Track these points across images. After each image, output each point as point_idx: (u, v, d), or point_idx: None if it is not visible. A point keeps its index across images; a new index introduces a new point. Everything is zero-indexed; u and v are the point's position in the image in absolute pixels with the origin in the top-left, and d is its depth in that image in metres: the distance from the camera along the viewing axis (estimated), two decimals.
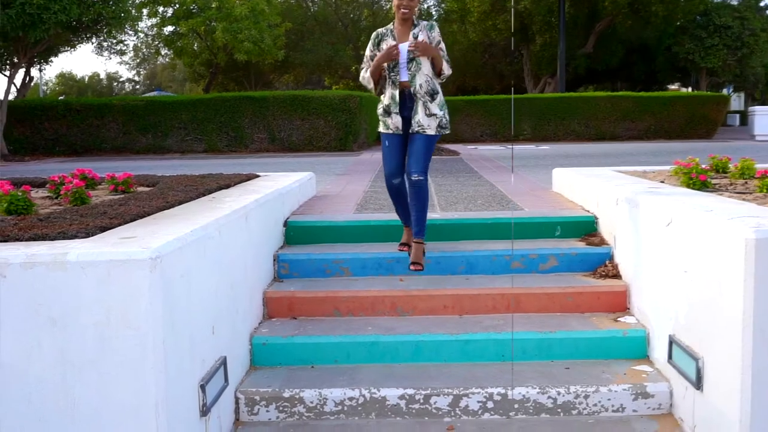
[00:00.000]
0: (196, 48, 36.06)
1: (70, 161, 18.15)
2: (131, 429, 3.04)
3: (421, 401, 4.07)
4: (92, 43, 22.86)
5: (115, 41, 24.34)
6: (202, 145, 21.22)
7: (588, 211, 6.04)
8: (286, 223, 5.87)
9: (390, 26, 5.17)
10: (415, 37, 5.01)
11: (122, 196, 5.29)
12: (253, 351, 4.52)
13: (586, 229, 5.80)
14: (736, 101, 51.51)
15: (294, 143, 21.03)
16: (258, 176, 7.01)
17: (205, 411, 3.51)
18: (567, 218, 5.90)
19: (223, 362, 3.85)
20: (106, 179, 5.91)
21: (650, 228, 4.41)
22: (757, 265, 3.17)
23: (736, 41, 33.75)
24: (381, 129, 5.23)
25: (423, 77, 5.05)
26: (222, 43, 31.49)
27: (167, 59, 45.68)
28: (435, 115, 5.05)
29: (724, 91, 40.22)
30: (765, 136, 23.33)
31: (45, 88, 60.28)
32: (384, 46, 5.07)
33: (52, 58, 23.01)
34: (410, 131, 5.08)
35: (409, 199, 5.13)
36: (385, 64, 5.05)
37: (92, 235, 3.44)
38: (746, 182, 5.49)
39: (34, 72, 25.85)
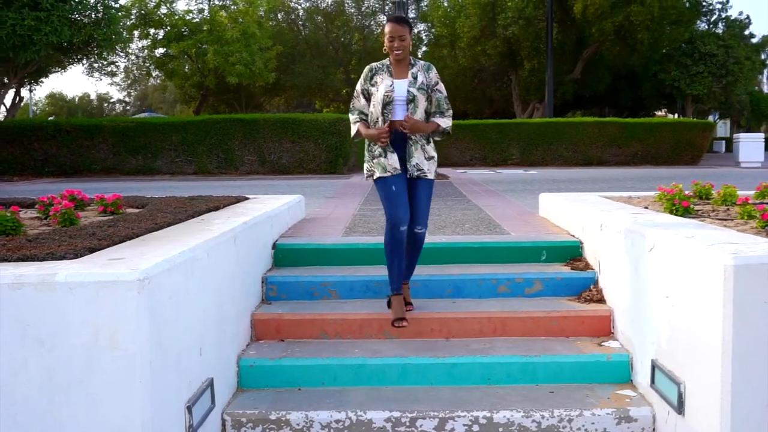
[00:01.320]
0: (187, 70, 36.25)
1: (60, 182, 18.14)
2: None
3: (408, 424, 4.10)
4: (83, 65, 22.96)
5: (106, 62, 24.46)
6: (192, 166, 21.25)
7: (573, 236, 6.10)
8: (274, 246, 5.91)
9: (386, 61, 4.92)
10: (414, 77, 4.78)
11: (111, 217, 5.32)
12: (240, 373, 4.54)
13: (572, 253, 5.86)
14: (722, 128, 52.05)
15: (284, 166, 21.09)
16: (247, 198, 7.05)
17: None
18: (553, 243, 5.96)
19: (210, 384, 3.87)
20: (95, 200, 5.93)
21: (633, 253, 4.47)
22: (736, 291, 3.23)
23: (720, 69, 34.23)
24: (379, 173, 4.80)
25: (420, 119, 4.81)
26: (213, 66, 31.69)
27: (158, 81, 45.87)
28: (433, 157, 4.90)
29: (710, 118, 40.65)
30: (749, 163, 23.56)
31: (35, 108, 60.25)
32: (378, 80, 4.81)
33: (43, 79, 23.09)
34: (408, 176, 4.81)
35: (407, 248, 4.91)
36: (377, 103, 4.78)
37: (81, 257, 3.47)
38: (728, 209, 5.57)
39: (24, 92, 25.90)
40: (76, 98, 73.22)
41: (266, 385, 4.54)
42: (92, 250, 3.61)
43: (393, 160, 4.77)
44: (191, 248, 3.75)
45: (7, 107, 22.55)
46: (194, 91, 38.96)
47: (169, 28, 33.18)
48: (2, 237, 4.26)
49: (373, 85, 4.86)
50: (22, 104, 25.27)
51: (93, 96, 75.00)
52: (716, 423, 3.33)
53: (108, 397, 3.04)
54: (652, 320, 4.14)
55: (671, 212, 5.30)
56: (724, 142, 43.32)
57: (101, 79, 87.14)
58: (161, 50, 34.81)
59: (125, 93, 70.61)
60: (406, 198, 4.78)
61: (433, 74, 4.89)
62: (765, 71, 50.58)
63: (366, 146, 4.95)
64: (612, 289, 5.01)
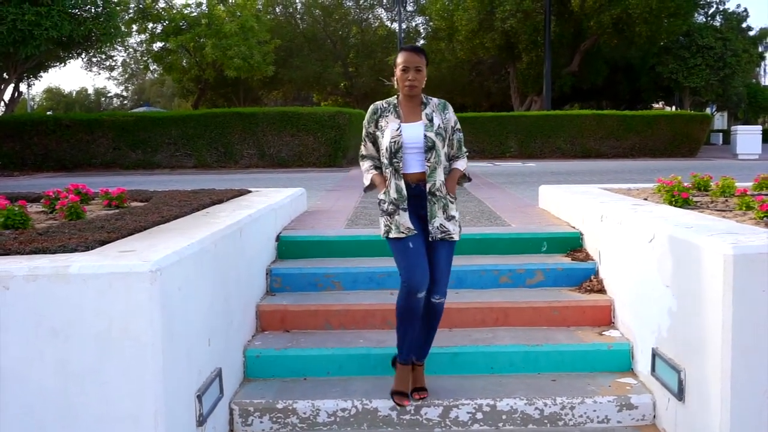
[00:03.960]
0: (185, 64, 36.25)
1: (60, 176, 18.18)
2: None
3: (412, 412, 4.17)
4: (82, 59, 22.96)
5: (104, 57, 24.45)
6: (192, 160, 21.31)
7: (574, 228, 6.17)
8: (278, 238, 5.97)
9: (393, 100, 4.17)
10: (430, 119, 4.04)
11: (117, 210, 5.37)
12: (246, 363, 4.61)
13: (572, 244, 5.93)
14: (719, 120, 52.08)
15: (283, 159, 21.14)
16: (250, 192, 7.10)
17: (201, 421, 3.60)
18: (553, 234, 6.03)
19: (219, 374, 3.94)
20: (99, 194, 5.99)
21: (634, 244, 4.54)
22: (735, 279, 3.30)
23: (718, 61, 34.28)
24: (394, 234, 4.04)
25: (442, 171, 4.08)
26: (211, 60, 31.71)
27: (156, 75, 45.83)
28: (455, 217, 4.13)
29: (707, 111, 40.66)
30: (747, 155, 23.62)
31: (32, 103, 60.17)
32: (383, 124, 4.09)
33: (42, 74, 23.08)
34: (429, 238, 4.06)
35: (423, 319, 4.18)
36: (384, 148, 4.06)
37: (92, 249, 3.53)
38: (727, 200, 5.64)
39: (22, 87, 25.90)
40: (74, 93, 73.12)
41: (272, 374, 4.60)
42: (103, 243, 3.67)
43: (404, 219, 4.01)
44: (199, 240, 3.81)
45: (6, 102, 22.55)
46: (192, 85, 38.96)
47: (167, 22, 33.18)
48: (12, 231, 4.32)
49: (378, 129, 4.13)
50: (20, 99, 25.26)
51: (90, 90, 74.93)
52: (716, 409, 3.40)
53: (121, 386, 3.10)
54: (652, 309, 4.20)
55: (670, 203, 5.37)
56: (721, 134, 43.38)
57: (99, 74, 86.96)
58: (159, 44, 34.83)
59: (123, 87, 70.52)
60: (426, 260, 4.04)
61: (450, 114, 4.17)
62: (762, 64, 50.68)
63: (378, 199, 4.19)
64: (612, 280, 5.08)
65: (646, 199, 5.82)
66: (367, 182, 4.22)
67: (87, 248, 3.52)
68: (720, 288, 3.35)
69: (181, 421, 3.37)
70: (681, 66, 34.48)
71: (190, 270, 3.57)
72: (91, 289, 3.07)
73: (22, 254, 3.41)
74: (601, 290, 5.25)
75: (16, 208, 4.59)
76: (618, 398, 4.20)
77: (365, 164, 4.25)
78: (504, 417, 4.18)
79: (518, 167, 19.28)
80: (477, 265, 5.52)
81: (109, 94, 75.39)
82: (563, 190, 7.21)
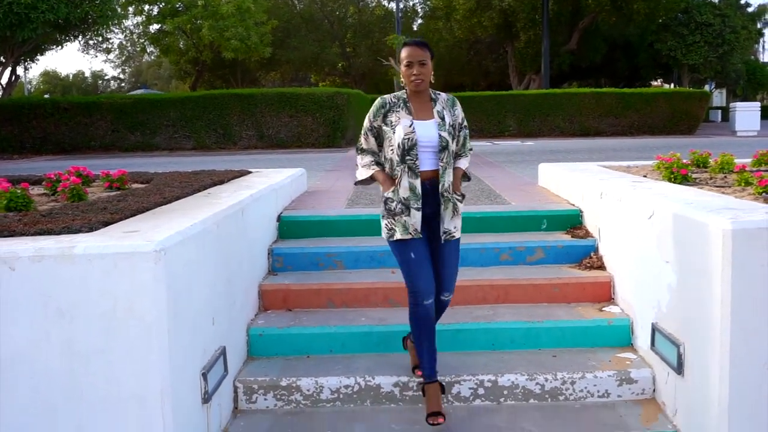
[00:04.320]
0: (182, 46, 36.13)
1: (59, 159, 18.17)
2: (137, 416, 3.16)
3: (414, 388, 4.21)
4: (79, 42, 22.88)
5: (101, 39, 24.36)
6: (191, 142, 21.30)
7: (573, 205, 6.20)
8: (279, 218, 6.00)
9: (401, 94, 4.00)
10: (441, 117, 3.92)
11: (118, 192, 5.39)
12: (250, 342, 4.65)
13: (572, 222, 5.96)
14: (718, 97, 51.97)
15: (282, 140, 21.13)
16: (250, 172, 7.12)
17: (206, 398, 3.64)
18: (553, 212, 6.06)
19: (223, 352, 3.98)
20: (100, 176, 6.00)
21: (633, 220, 4.57)
22: (734, 254, 3.33)
23: (717, 38, 34.17)
24: (399, 235, 3.90)
25: (452, 170, 3.99)
26: (208, 41, 31.59)
27: (153, 57, 45.66)
28: (459, 215, 4.06)
29: (706, 88, 40.61)
30: (746, 132, 23.62)
31: (29, 86, 59.99)
32: (393, 119, 3.91)
33: (38, 57, 23.01)
34: (442, 239, 3.97)
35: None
36: (396, 145, 3.88)
37: (96, 230, 3.56)
38: (725, 176, 5.66)
39: (19, 71, 25.82)
40: (71, 76, 72.90)
41: (275, 353, 4.65)
42: (106, 224, 3.70)
43: (416, 219, 3.89)
44: (202, 221, 3.84)
45: (4, 86, 22.49)
46: (190, 67, 38.86)
47: (163, 3, 32.99)
48: (15, 213, 4.34)
49: (387, 124, 3.94)
50: (17, 83, 25.20)
51: (87, 73, 74.70)
52: (715, 382, 3.44)
53: (127, 365, 3.14)
54: (652, 285, 4.24)
55: (670, 180, 5.39)
56: (720, 111, 43.31)
57: (96, 56, 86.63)
58: (156, 26, 34.67)
59: (120, 70, 70.30)
60: (430, 265, 3.95)
61: (459, 110, 4.06)
62: (761, 40, 50.50)
63: (383, 199, 4.02)
64: (612, 256, 5.11)
65: (645, 176, 5.84)
66: (360, 177, 4.11)
67: (91, 229, 3.55)
68: (719, 263, 3.38)
69: (186, 399, 3.41)
70: (679, 43, 34.38)
71: (194, 250, 3.60)
72: (97, 270, 3.10)
73: (27, 235, 3.44)
74: (601, 267, 5.29)
75: (19, 191, 4.61)
76: (618, 373, 4.25)
77: (365, 158, 4.07)
78: (505, 392, 4.23)
79: (517, 146, 19.28)
80: (477, 243, 5.54)
81: (106, 77, 75.23)
82: (563, 168, 7.23)
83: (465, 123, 4.10)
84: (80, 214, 4.00)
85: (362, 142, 4.09)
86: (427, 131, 3.87)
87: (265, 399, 4.25)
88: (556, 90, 27.10)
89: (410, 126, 3.86)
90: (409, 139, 3.84)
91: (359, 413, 4.17)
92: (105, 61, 68.12)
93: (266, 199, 5.61)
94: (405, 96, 3.97)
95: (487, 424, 3.99)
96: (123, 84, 73.25)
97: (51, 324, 3.11)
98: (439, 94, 4.01)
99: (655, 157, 6.37)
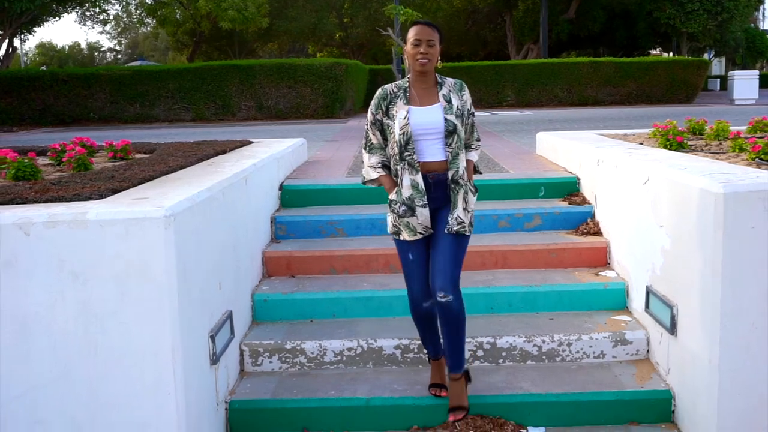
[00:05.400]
0: (179, 17, 35.88)
1: (59, 131, 18.20)
2: (150, 374, 3.29)
3: (415, 351, 4.34)
4: (76, 13, 22.80)
5: (98, 10, 24.26)
6: (190, 113, 21.29)
7: (570, 173, 6.30)
8: (281, 187, 6.10)
9: (402, 83, 3.78)
10: (448, 101, 3.69)
11: (123, 162, 5.48)
12: (254, 307, 4.77)
13: (569, 189, 6.06)
14: (717, 66, 51.82)
15: (281, 111, 21.13)
16: (251, 142, 7.20)
17: (214, 360, 3.77)
18: (550, 179, 6.16)
19: (230, 316, 4.10)
20: (104, 147, 6.08)
21: (629, 186, 4.67)
22: (726, 217, 3.43)
23: (716, 6, 33.91)
24: (406, 236, 3.74)
25: (464, 156, 3.76)
26: (205, 12, 31.40)
27: (149, 28, 45.40)
28: (472, 210, 3.81)
29: (705, 56, 40.47)
30: (744, 101, 23.64)
31: (25, 58, 59.71)
32: (394, 112, 3.70)
33: (35, 29, 22.93)
34: (446, 230, 3.69)
35: (439, 324, 3.84)
36: (398, 138, 3.65)
37: (105, 197, 3.66)
38: (720, 143, 5.75)
39: (16, 42, 25.75)
40: (66, 48, 72.46)
41: (280, 318, 4.77)
42: (115, 191, 3.80)
43: (424, 217, 3.69)
44: (209, 188, 3.94)
45: (1, 58, 22.44)
46: (187, 38, 38.66)
47: None
48: (24, 182, 4.43)
49: (390, 117, 3.72)
50: (14, 54, 25.14)
51: (83, 45, 74.30)
52: (706, 341, 3.57)
53: (140, 325, 3.26)
54: (647, 249, 4.35)
55: (665, 147, 5.48)
56: (719, 80, 43.19)
57: (93, 28, 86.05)
58: None
59: (116, 41, 69.86)
60: (425, 269, 3.78)
61: (467, 95, 3.82)
62: (761, 7, 50.20)
63: (389, 198, 3.82)
64: (608, 222, 5.22)
65: (641, 144, 5.93)
66: (368, 176, 3.87)
67: (101, 196, 3.65)
68: (711, 225, 3.49)
69: (196, 360, 3.54)
70: (678, 11, 34.15)
71: (201, 216, 3.71)
72: (109, 234, 3.21)
73: (39, 203, 3.54)
74: (598, 232, 5.40)
75: (26, 161, 4.69)
76: (613, 334, 4.38)
77: (373, 158, 3.82)
78: (504, 354, 4.36)
79: (515, 116, 19.31)
80: (477, 210, 5.59)
81: (102, 49, 74.78)
82: (560, 136, 7.32)
83: (473, 110, 3.86)
84: (89, 182, 4.10)
85: (368, 137, 3.85)
86: (431, 117, 3.65)
87: (270, 362, 4.38)
88: (554, 59, 27.01)
89: (405, 117, 3.64)
90: (404, 132, 3.62)
91: (362, 375, 4.30)
92: (101, 32, 67.82)
93: (268, 168, 5.70)
94: (407, 84, 3.75)
95: (487, 383, 4.13)
96: (119, 56, 72.86)
97: (66, 286, 3.22)
98: (445, 78, 3.78)
99: (652, 125, 6.46)
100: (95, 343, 3.26)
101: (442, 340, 3.88)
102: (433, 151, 3.67)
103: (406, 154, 3.64)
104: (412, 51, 3.62)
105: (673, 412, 3.97)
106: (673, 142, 5.46)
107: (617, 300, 4.79)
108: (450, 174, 3.67)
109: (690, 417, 3.79)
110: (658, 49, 45.60)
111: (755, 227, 3.43)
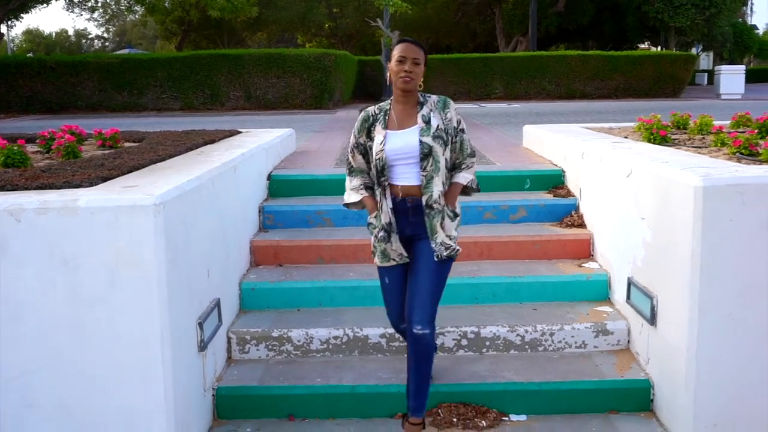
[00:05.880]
0: (167, 5, 35.72)
1: (47, 119, 18.13)
2: (139, 360, 3.34)
3: (401, 339, 4.40)
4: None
5: None
6: (178, 103, 21.25)
7: (556, 165, 6.37)
8: (269, 177, 6.14)
9: (385, 105, 3.72)
10: (426, 121, 3.59)
11: (112, 150, 5.51)
12: (242, 295, 4.82)
13: (554, 182, 6.14)
14: (705, 60, 52.03)
15: (270, 101, 21.13)
16: (240, 132, 7.24)
17: (202, 347, 3.82)
18: (536, 172, 6.24)
19: (218, 303, 4.15)
20: (93, 135, 6.10)
21: (612, 179, 4.75)
22: (705, 210, 3.51)
23: (704, 1, 34.05)
24: (379, 262, 3.74)
25: (440, 180, 3.62)
26: (194, 0, 31.25)
27: (138, 16, 45.17)
28: (454, 237, 3.73)
29: (693, 51, 40.64)
30: (730, 95, 23.78)
31: (12, 45, 59.26)
32: (374, 135, 3.65)
33: (23, 15, 22.79)
34: (435, 258, 3.62)
35: (407, 358, 3.69)
36: (375, 163, 3.62)
37: (95, 185, 3.70)
38: (703, 138, 5.83)
39: (2, 29, 25.58)
40: (53, 34, 72.00)
41: (267, 306, 4.83)
42: (105, 179, 3.83)
43: (398, 245, 3.67)
44: (198, 177, 3.98)
45: None
46: (175, 27, 38.52)
47: None
48: (13, 169, 4.46)
49: (371, 140, 3.67)
50: (1, 41, 24.99)
51: (71, 32, 73.79)
52: (685, 331, 3.65)
53: (129, 312, 3.31)
54: (629, 241, 4.43)
55: (649, 141, 5.56)
56: (706, 74, 43.40)
57: (81, 15, 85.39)
58: None
59: (104, 29, 69.46)
60: (401, 295, 3.76)
61: (452, 112, 3.71)
62: (749, 2, 50.44)
63: (368, 221, 3.81)
64: (592, 214, 5.30)
65: (626, 138, 6.01)
66: (349, 200, 3.80)
67: (91, 184, 3.69)
68: (691, 218, 3.56)
69: (184, 346, 3.59)
70: (667, 5, 34.26)
71: (190, 205, 3.75)
72: (99, 222, 3.25)
73: (30, 190, 3.57)
74: (582, 225, 5.48)
75: (16, 147, 4.71)
76: (595, 325, 4.46)
77: (354, 181, 3.78)
78: (487, 343, 4.44)
79: (503, 108, 19.38)
80: (462, 201, 5.64)
81: (90, 36, 74.35)
82: (546, 129, 7.39)
83: (462, 126, 3.75)
84: (78, 170, 4.13)
85: (350, 160, 3.81)
86: (406, 140, 3.57)
87: (257, 349, 4.44)
88: (543, 52, 27.09)
89: (381, 143, 3.59)
90: (379, 158, 3.58)
91: (348, 362, 4.37)
92: (89, 19, 67.17)
93: (257, 157, 5.75)
94: (388, 106, 3.69)
95: (470, 372, 4.20)
96: (107, 44, 72.48)
97: (57, 273, 3.27)
98: (428, 96, 3.69)
99: (637, 119, 6.53)
100: (85, 329, 3.31)
101: (407, 380, 3.71)
102: (409, 176, 3.61)
103: (383, 179, 3.60)
104: (396, 68, 3.54)
105: (652, 401, 4.05)
106: (657, 136, 5.54)
107: (600, 291, 4.87)
108: (424, 199, 3.59)
109: (668, 406, 3.88)
110: (646, 43, 45.75)
111: (733, 220, 3.51)
